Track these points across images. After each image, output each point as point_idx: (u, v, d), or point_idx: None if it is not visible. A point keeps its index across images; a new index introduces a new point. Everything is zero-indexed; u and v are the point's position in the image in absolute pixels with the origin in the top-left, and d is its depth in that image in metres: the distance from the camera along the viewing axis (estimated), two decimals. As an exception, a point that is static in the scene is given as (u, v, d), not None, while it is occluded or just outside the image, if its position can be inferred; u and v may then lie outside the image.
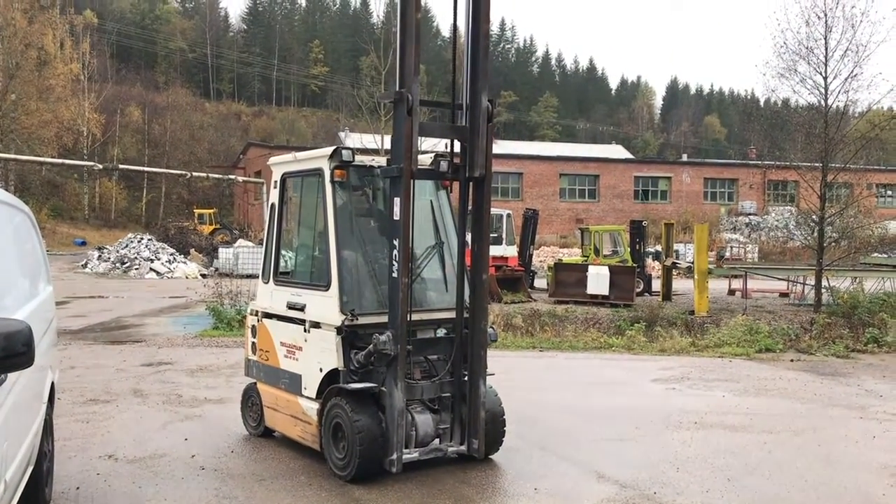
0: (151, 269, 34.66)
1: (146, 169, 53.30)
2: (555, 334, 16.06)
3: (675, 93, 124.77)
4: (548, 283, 26.16)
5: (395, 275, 6.25)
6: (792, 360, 13.08)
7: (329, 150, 6.76)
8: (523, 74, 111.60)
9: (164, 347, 14.18)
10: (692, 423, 8.47)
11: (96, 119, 58.62)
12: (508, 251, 26.81)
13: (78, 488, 6.20)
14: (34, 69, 52.47)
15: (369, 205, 7.07)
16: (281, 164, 7.52)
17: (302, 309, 6.98)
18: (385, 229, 6.66)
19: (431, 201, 7.32)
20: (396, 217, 6.25)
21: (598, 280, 23.28)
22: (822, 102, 19.85)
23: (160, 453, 7.20)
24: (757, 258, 40.20)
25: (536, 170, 52.86)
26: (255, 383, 7.87)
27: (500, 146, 58.31)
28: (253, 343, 7.85)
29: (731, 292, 26.07)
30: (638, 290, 24.62)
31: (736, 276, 26.54)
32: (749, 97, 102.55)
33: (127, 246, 37.17)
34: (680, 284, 27.07)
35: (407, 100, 6.14)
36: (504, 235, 26.83)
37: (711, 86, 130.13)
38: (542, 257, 39.82)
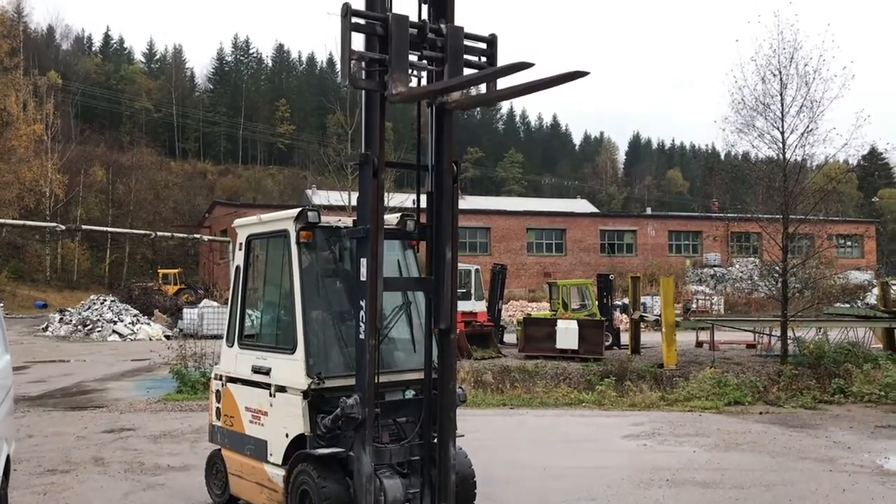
0: (114, 331, 34.05)
1: (109, 229, 52.75)
2: (525, 391, 15.94)
3: (638, 147, 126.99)
4: (517, 338, 26.09)
5: (362, 336, 6.17)
6: (761, 413, 13.12)
7: (294, 211, 6.73)
8: (489, 131, 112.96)
9: (126, 413, 13.85)
10: (664, 481, 8.41)
11: (59, 180, 58.10)
12: (477, 306, 26.77)
13: (33, 566, 5.96)
14: (-4, 130, 52.21)
15: (336, 266, 7.02)
16: (246, 226, 7.48)
17: (267, 373, 6.87)
18: (352, 290, 6.60)
19: (398, 260, 7.29)
20: (363, 278, 6.19)
21: (566, 334, 23.26)
22: (781, 156, 20.26)
23: (120, 526, 6.97)
24: (723, 309, 40.54)
25: (504, 224, 53.19)
26: (220, 449, 7.68)
27: (468, 202, 58.73)
28: (217, 408, 7.68)
29: (699, 344, 26.16)
30: (607, 343, 24.62)
31: (703, 329, 26.66)
32: (709, 151, 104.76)
33: (89, 308, 36.54)
34: (648, 337, 27.14)
35: (373, 162, 6.13)
36: (473, 290, 26.81)
37: (672, 140, 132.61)
38: (511, 312, 39.80)
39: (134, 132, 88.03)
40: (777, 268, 20.30)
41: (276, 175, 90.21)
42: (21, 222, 45.58)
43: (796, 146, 20.02)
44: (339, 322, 6.84)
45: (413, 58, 6.15)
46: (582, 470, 8.97)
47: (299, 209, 6.71)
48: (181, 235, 52.27)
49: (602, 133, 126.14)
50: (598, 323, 24.67)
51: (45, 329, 35.33)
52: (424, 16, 6.44)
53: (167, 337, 31.35)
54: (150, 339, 32.18)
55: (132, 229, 54.67)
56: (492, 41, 6.62)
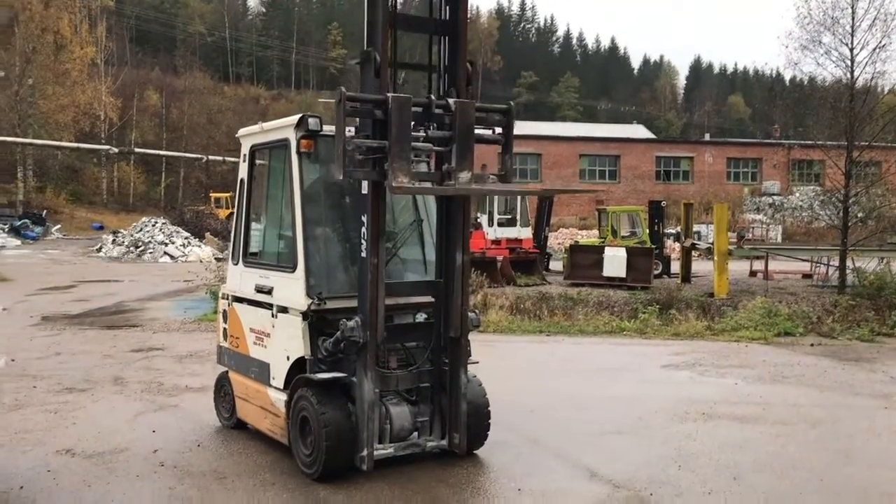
0: (165, 252, 34.40)
1: (161, 152, 53.10)
2: (565, 318, 15.40)
3: (699, 72, 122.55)
4: (563, 266, 25.52)
5: (364, 254, 5.69)
6: (812, 345, 12.38)
7: (295, 118, 6.20)
8: (544, 54, 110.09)
9: (158, 332, 13.74)
10: (700, 414, 7.85)
11: (113, 103, 58.28)
12: (523, 233, 26.14)
13: (21, 487, 5.72)
14: (51, 53, 52.32)
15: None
16: (249, 135, 6.98)
17: (269, 292, 6.45)
18: (357, 205, 6.09)
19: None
20: (365, 191, 5.68)
21: (614, 262, 22.62)
22: (848, 76, 18.99)
23: (122, 447, 6.71)
24: (780, 239, 39.21)
25: (556, 150, 51.96)
26: (227, 372, 7.37)
27: (519, 127, 57.32)
28: (224, 329, 7.34)
29: (753, 274, 25.24)
30: (656, 272, 23.91)
31: (758, 258, 25.72)
32: (774, 76, 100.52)
33: (141, 230, 36.93)
34: (700, 266, 26.30)
35: (374, 59, 5.54)
36: (519, 217, 26.17)
37: (735, 65, 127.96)
38: (561, 239, 39.12)
39: (187, 56, 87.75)
40: (838, 195, 19.22)
41: (328, 100, 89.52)
42: (75, 145, 45.99)
43: (866, 64, 18.71)
44: (344, 240, 6.36)
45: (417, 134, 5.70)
46: (612, 400, 8.46)
47: (300, 115, 6.16)
48: (232, 160, 52.25)
49: (662, 57, 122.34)
50: (648, 251, 23.93)
51: (99, 250, 35.83)
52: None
53: (217, 259, 31.46)
54: (201, 262, 32.25)
55: (184, 153, 54.87)
56: (507, 111, 6.05)
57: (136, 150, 48.76)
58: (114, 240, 36.54)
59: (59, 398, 8.61)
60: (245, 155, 7.01)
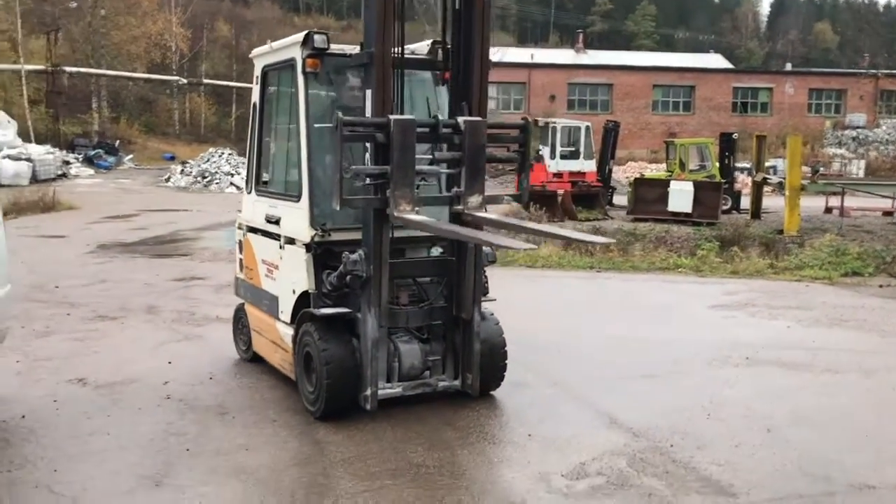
0: (231, 183, 34.74)
1: (230, 83, 53.32)
2: (620, 254, 14.82)
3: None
4: (628, 200, 24.76)
5: (368, 182, 5.32)
6: (881, 286, 11.57)
7: (301, 35, 5.79)
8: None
9: (206, 262, 13.75)
10: (742, 359, 7.33)
11: (183, 34, 58.59)
12: (586, 166, 25.38)
13: (23, 416, 5.64)
14: (121, -17, 52.66)
15: (350, 102, 6.09)
16: (260, 55, 6.61)
17: (277, 222, 6.16)
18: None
19: (428, 99, 6.28)
20: (369, 114, 5.28)
21: (680, 196, 21.83)
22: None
23: (133, 378, 6.60)
24: (863, 174, 37.31)
25: (627, 81, 50.15)
26: (244, 304, 7.17)
27: (589, 56, 55.69)
28: (240, 260, 7.12)
29: (828, 210, 24.02)
30: (725, 207, 23.01)
31: (835, 194, 24.43)
32: (866, 1, 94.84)
33: (208, 160, 37.39)
34: (772, 202, 25.16)
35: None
36: (582, 149, 25.38)
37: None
38: (629, 173, 38.04)
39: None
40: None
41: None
42: (146, 76, 46.42)
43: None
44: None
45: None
46: (650, 342, 7.98)
47: (306, 32, 5.75)
48: (299, 91, 52.35)
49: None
50: (716, 185, 22.99)
51: (167, 180, 36.42)
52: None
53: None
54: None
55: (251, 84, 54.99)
56: (524, 126, 5.63)
57: (206, 80, 49.00)
58: (182, 170, 37.07)
59: (89, 326, 8.59)
60: (257, 77, 6.66)
